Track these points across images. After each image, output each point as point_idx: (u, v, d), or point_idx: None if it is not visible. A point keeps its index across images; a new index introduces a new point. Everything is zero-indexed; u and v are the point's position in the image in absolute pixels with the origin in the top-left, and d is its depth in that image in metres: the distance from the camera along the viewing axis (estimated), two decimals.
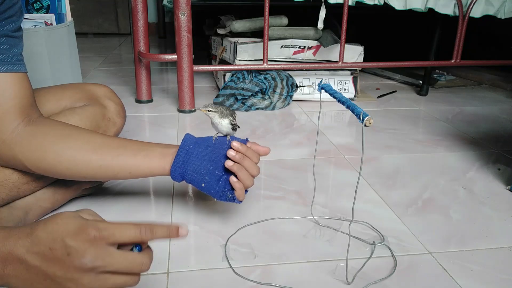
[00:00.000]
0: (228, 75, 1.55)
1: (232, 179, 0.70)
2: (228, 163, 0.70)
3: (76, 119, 0.81)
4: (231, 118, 0.73)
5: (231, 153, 0.70)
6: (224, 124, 0.72)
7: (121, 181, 0.93)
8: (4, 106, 0.67)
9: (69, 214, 0.44)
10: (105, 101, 0.90)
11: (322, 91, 0.67)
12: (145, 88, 1.55)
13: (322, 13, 1.44)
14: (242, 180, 0.70)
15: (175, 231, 0.47)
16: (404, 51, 2.07)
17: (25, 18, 1.16)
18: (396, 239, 0.75)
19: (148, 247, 0.48)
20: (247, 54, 1.53)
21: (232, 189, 0.71)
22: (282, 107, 1.51)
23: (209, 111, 0.72)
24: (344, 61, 1.51)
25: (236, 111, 1.45)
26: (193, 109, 1.45)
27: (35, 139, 0.68)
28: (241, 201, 0.72)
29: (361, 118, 0.54)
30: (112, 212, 0.82)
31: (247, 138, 0.75)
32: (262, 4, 1.40)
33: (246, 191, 0.72)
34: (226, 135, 0.75)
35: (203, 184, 0.71)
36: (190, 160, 0.71)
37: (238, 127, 0.76)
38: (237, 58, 1.53)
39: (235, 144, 0.71)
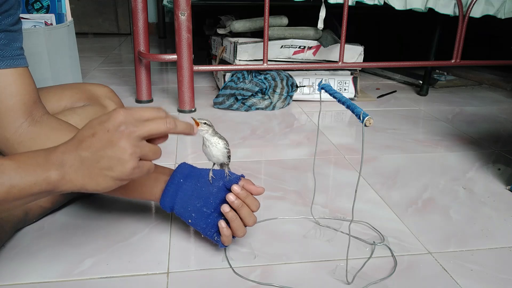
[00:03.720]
0: (228, 75, 1.55)
1: (221, 224, 0.67)
2: (225, 209, 0.66)
3: (76, 119, 0.81)
4: (226, 142, 0.67)
5: (230, 198, 0.66)
6: (220, 147, 0.66)
7: None
8: (7, 103, 0.66)
9: (98, 116, 0.53)
10: (105, 101, 0.90)
11: (322, 91, 0.67)
12: (145, 88, 1.55)
13: (322, 13, 1.44)
14: (234, 230, 0.67)
15: (192, 128, 0.57)
16: (404, 51, 2.08)
17: (25, 18, 1.16)
18: (396, 239, 0.75)
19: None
20: (247, 54, 1.53)
21: (219, 232, 0.68)
22: (282, 107, 1.51)
23: (204, 123, 0.64)
24: (344, 61, 1.51)
25: (237, 111, 1.46)
26: (193, 109, 1.45)
27: (36, 142, 0.68)
28: (226, 246, 0.69)
29: (361, 118, 0.54)
30: (112, 211, 0.82)
31: (242, 175, 0.71)
32: (262, 4, 1.40)
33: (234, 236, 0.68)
34: (222, 168, 0.70)
35: (190, 220, 0.69)
36: (178, 195, 0.69)
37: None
38: (237, 58, 1.53)
39: (235, 188, 0.66)
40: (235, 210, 0.67)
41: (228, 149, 0.67)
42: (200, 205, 0.68)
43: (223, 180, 0.69)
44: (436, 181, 0.98)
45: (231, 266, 0.67)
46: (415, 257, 0.71)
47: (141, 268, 0.67)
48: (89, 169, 0.51)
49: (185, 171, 0.71)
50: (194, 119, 0.63)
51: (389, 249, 0.72)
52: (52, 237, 0.74)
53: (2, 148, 0.70)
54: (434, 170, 1.05)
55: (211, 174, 0.70)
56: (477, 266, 0.69)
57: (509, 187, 0.95)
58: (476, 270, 0.68)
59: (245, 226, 0.68)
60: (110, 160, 0.50)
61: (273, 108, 1.49)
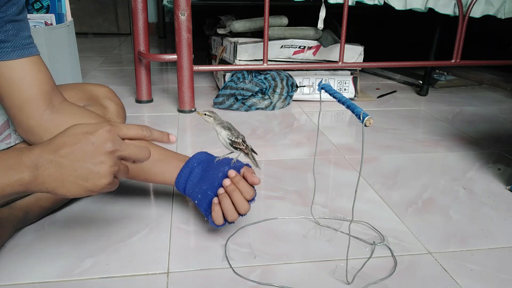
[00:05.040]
0: (228, 75, 1.55)
1: (214, 200, 0.70)
2: (219, 191, 0.70)
3: None
4: (229, 133, 0.72)
5: (225, 182, 0.70)
6: (221, 136, 0.72)
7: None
8: (28, 92, 0.67)
9: (80, 123, 0.54)
10: (105, 101, 0.90)
11: (322, 91, 0.67)
12: (145, 88, 1.55)
13: (322, 13, 1.44)
14: (224, 211, 0.70)
15: (167, 136, 0.59)
16: (404, 51, 2.08)
17: None
18: (396, 239, 0.75)
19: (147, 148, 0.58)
20: (247, 54, 1.53)
21: None
22: (282, 107, 1.51)
23: (205, 114, 0.72)
24: (344, 61, 1.51)
25: (237, 111, 1.46)
26: (193, 109, 1.45)
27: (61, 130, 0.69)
28: (218, 226, 0.71)
29: (361, 118, 0.54)
30: (112, 211, 0.82)
31: (247, 164, 0.75)
32: (262, 4, 1.40)
33: (231, 222, 0.71)
34: (233, 157, 0.75)
35: (196, 201, 0.73)
36: (190, 177, 0.74)
37: (250, 152, 0.74)
38: (237, 58, 1.53)
39: (230, 172, 0.71)
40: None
41: (231, 139, 0.72)
42: (206, 187, 0.72)
43: (228, 166, 0.73)
44: (436, 181, 0.98)
45: (231, 266, 0.67)
46: (415, 257, 0.71)
47: (141, 268, 0.67)
48: (64, 176, 0.52)
49: (201, 157, 0.76)
50: (198, 112, 0.72)
51: (389, 249, 0.72)
52: (52, 237, 0.74)
53: (27, 136, 0.71)
54: (434, 170, 1.05)
55: (219, 158, 0.75)
56: (477, 266, 0.69)
57: (509, 187, 0.95)
58: (476, 270, 0.68)
59: (238, 213, 0.70)
60: (88, 172, 0.52)
61: (273, 108, 1.49)
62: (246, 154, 0.73)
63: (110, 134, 0.53)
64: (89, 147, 0.52)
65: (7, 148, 0.75)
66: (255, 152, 0.75)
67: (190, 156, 0.77)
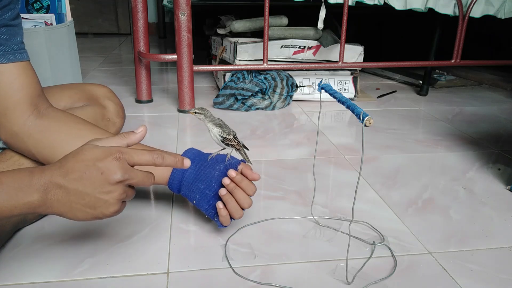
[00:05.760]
0: (228, 75, 1.55)
1: (218, 205, 0.70)
2: (221, 192, 0.70)
3: None
4: (221, 130, 0.71)
5: (225, 181, 0.70)
6: (213, 133, 0.72)
7: None
8: (13, 97, 0.67)
9: (91, 145, 0.53)
10: (104, 101, 0.90)
11: (322, 91, 0.67)
12: (145, 88, 1.55)
13: (322, 13, 1.44)
14: (230, 211, 0.71)
15: (181, 161, 0.57)
16: (404, 51, 2.08)
17: (25, 18, 1.16)
18: (396, 239, 0.75)
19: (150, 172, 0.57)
20: (247, 54, 1.53)
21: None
22: (282, 107, 1.51)
23: (195, 113, 0.72)
24: (344, 61, 1.51)
25: (237, 111, 1.46)
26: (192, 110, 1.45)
27: (47, 135, 0.70)
28: (225, 226, 0.72)
29: (361, 118, 0.54)
30: None
31: (242, 160, 0.75)
32: (262, 4, 1.40)
33: (233, 218, 0.72)
34: (226, 153, 0.74)
35: (194, 201, 0.73)
36: (184, 177, 0.73)
37: (241, 148, 0.74)
38: (237, 58, 1.53)
39: (231, 172, 0.71)
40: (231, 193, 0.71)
41: (223, 136, 0.71)
42: (204, 187, 0.72)
43: (223, 163, 0.73)
44: (436, 181, 0.98)
45: (231, 266, 0.67)
46: (415, 257, 0.71)
47: (141, 268, 0.67)
48: (72, 203, 0.52)
49: (191, 155, 0.75)
50: (190, 112, 0.72)
51: (389, 249, 0.72)
52: (52, 237, 0.74)
53: (11, 142, 0.71)
54: (434, 170, 1.05)
55: (212, 155, 0.74)
56: (477, 266, 0.69)
57: (509, 187, 0.95)
58: (476, 270, 0.68)
59: (242, 208, 0.71)
60: (96, 200, 0.52)
61: (273, 108, 1.49)
62: (238, 150, 0.73)
63: (119, 162, 0.52)
64: (98, 176, 0.51)
65: (3, 148, 0.75)
66: (246, 148, 0.75)
67: (179, 153, 0.76)
